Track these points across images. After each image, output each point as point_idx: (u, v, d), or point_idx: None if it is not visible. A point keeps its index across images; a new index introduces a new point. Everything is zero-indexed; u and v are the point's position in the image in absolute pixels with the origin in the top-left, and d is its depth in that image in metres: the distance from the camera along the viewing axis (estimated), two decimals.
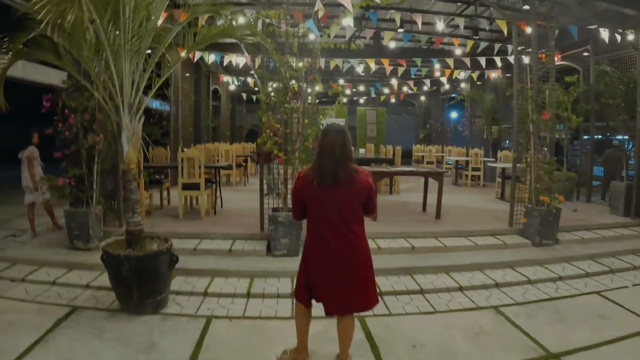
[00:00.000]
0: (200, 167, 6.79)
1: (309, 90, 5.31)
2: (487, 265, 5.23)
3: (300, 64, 5.35)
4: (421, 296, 4.49)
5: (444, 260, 5.32)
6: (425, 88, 15.17)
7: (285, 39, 5.28)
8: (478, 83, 13.81)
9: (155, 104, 14.52)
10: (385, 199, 8.94)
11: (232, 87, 17.42)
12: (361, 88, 16.06)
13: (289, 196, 5.10)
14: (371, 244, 5.66)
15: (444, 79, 12.47)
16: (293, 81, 5.28)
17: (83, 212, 5.41)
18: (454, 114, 22.04)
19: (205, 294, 4.41)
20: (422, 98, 20.36)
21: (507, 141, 13.33)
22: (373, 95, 17.13)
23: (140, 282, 3.89)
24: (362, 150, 10.50)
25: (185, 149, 8.23)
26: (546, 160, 5.98)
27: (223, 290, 4.45)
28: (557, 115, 6.08)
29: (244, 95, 18.46)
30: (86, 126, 5.54)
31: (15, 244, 5.78)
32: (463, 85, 15.06)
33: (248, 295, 4.40)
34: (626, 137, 9.56)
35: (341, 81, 14.27)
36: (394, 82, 13.20)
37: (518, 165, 6.39)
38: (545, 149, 6.06)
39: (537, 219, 5.88)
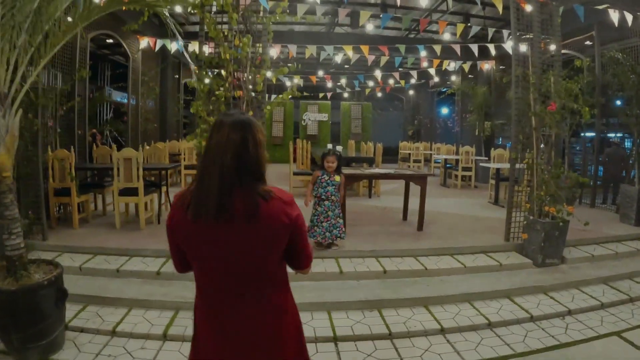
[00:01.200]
0: (138, 169, 5.71)
1: (252, 75, 4.18)
2: (477, 295, 4.16)
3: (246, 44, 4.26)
4: (389, 343, 3.40)
5: (423, 289, 4.23)
6: (413, 81, 14.12)
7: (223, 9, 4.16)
8: (470, 76, 12.82)
9: (118, 97, 13.39)
10: (362, 203, 7.85)
11: (207, 80, 16.22)
12: (343, 81, 14.94)
13: None
14: (332, 266, 4.59)
15: (432, 71, 11.45)
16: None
17: None
18: (444, 110, 21.12)
19: (113, 333, 3.52)
20: (410, 92, 19.35)
21: (500, 138, 12.39)
22: (357, 88, 16.06)
23: (17, 323, 3.05)
24: (339, 148, 9.41)
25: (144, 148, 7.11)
26: (552, 161, 4.89)
27: (135, 329, 3.54)
28: (564, 106, 5.00)
29: None
30: None
31: None
32: (453, 78, 14.07)
33: (164, 336, 3.49)
34: (623, 134, 8.67)
35: (321, 73, 13.15)
36: (378, 74, 12.13)
37: (517, 166, 5.31)
38: (543, 146, 5.00)
39: (541, 234, 4.79)
